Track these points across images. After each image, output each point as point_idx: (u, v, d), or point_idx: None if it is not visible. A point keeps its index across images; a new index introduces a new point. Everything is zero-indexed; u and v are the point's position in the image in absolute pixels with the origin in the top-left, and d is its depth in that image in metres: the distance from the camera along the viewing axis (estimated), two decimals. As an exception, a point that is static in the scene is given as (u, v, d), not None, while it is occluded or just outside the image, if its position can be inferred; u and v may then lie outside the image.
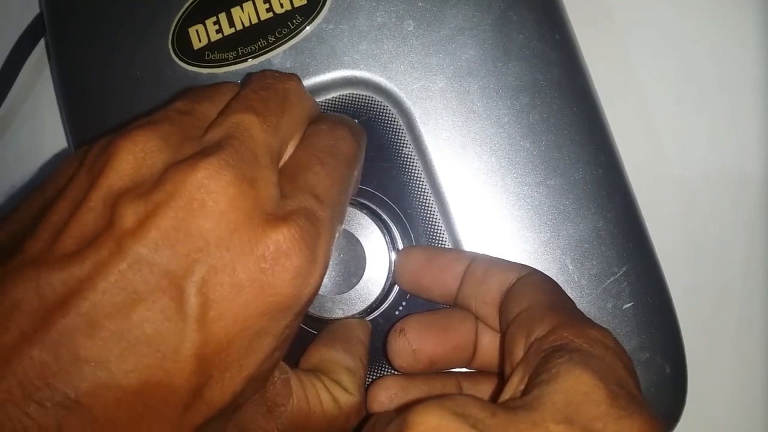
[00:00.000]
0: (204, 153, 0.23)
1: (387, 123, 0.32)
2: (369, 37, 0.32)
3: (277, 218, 0.22)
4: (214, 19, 0.33)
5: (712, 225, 0.37)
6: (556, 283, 0.27)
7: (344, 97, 0.33)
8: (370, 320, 0.31)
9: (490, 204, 0.31)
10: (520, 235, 0.31)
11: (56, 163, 0.41)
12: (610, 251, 0.31)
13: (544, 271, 0.30)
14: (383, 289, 0.30)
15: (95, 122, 0.34)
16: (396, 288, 0.31)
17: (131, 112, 0.33)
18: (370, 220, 0.30)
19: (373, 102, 0.32)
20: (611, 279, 0.31)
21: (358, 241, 0.30)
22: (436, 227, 0.32)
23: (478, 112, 0.31)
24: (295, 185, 0.24)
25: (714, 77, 0.38)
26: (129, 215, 0.21)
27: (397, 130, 0.32)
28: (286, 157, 0.26)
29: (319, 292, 0.30)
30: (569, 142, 0.31)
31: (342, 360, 0.29)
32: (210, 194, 0.22)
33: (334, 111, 0.33)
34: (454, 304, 0.29)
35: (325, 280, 0.30)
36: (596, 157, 0.31)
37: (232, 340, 0.22)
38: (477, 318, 0.28)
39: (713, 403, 0.36)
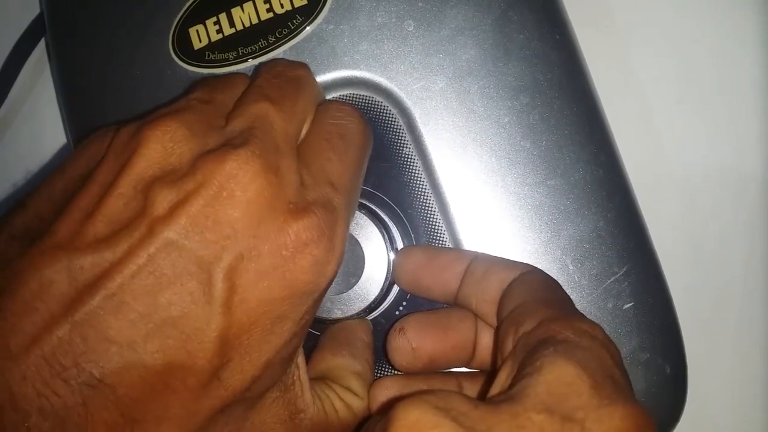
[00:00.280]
0: (231, 144, 0.24)
1: (387, 123, 0.32)
2: (369, 38, 0.32)
3: (298, 208, 0.23)
4: (214, 19, 0.33)
5: (712, 225, 0.37)
6: (555, 280, 0.27)
7: (344, 97, 0.33)
8: (370, 320, 0.31)
9: (490, 204, 0.31)
10: (520, 235, 0.31)
11: (57, 163, 0.41)
12: (610, 251, 0.31)
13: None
14: (382, 289, 0.30)
15: (95, 122, 0.34)
16: (395, 288, 0.31)
17: (131, 112, 0.33)
18: (369, 221, 0.30)
19: (373, 102, 0.32)
20: (611, 279, 0.31)
21: (357, 241, 0.30)
22: (436, 227, 0.32)
23: (478, 112, 0.31)
24: (312, 174, 0.25)
25: (714, 77, 0.38)
26: (161, 202, 0.22)
27: (397, 130, 0.32)
28: (299, 140, 0.27)
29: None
30: (569, 142, 0.31)
31: (349, 365, 0.29)
32: (239, 184, 0.23)
33: (334, 111, 0.33)
34: (455, 304, 0.29)
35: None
36: (596, 157, 0.31)
37: (255, 323, 0.23)
38: (477, 317, 0.28)
39: (713, 403, 0.36)
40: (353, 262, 0.30)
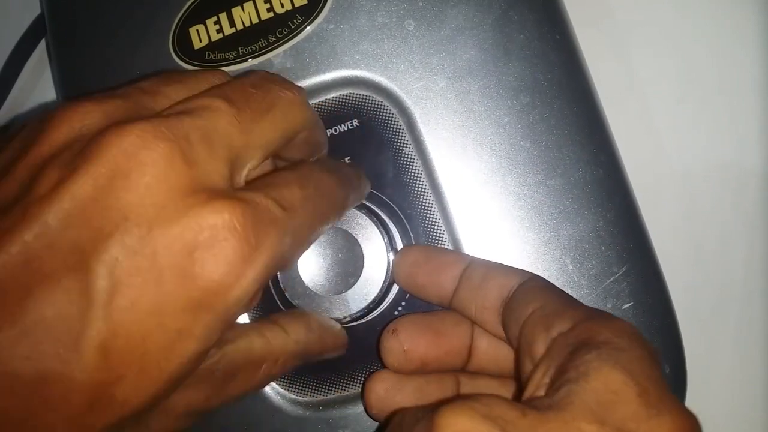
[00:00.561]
0: (142, 118, 0.20)
1: (387, 123, 0.32)
2: (369, 37, 0.32)
3: (213, 196, 0.20)
4: (214, 18, 0.33)
5: (712, 225, 0.37)
6: (559, 288, 0.27)
7: (344, 97, 0.33)
8: (368, 320, 0.31)
9: (490, 204, 0.31)
10: (520, 235, 0.31)
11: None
12: (610, 251, 0.31)
13: (544, 271, 0.30)
14: (381, 289, 0.30)
15: (96, 122, 0.34)
16: (394, 289, 0.31)
17: (132, 112, 0.33)
18: (369, 220, 0.30)
19: (373, 102, 0.32)
20: (611, 279, 0.31)
21: (357, 241, 0.30)
22: (436, 227, 0.32)
23: (478, 112, 0.31)
24: (261, 187, 0.22)
25: (714, 77, 0.38)
26: (44, 182, 0.19)
27: (397, 130, 0.32)
28: (250, 166, 0.23)
29: (317, 292, 0.30)
30: (569, 142, 0.31)
31: (305, 318, 0.28)
32: (139, 165, 0.19)
33: (334, 111, 0.33)
34: (449, 307, 0.29)
35: (323, 280, 0.30)
36: (596, 157, 0.31)
37: (147, 335, 0.19)
38: (475, 323, 0.28)
39: (713, 403, 0.36)
40: (353, 261, 0.30)
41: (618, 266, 0.31)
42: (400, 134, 0.32)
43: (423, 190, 0.32)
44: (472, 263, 0.29)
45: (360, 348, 0.31)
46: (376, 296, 0.30)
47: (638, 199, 0.32)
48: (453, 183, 0.31)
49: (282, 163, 0.27)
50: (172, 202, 0.19)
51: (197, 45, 0.33)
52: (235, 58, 0.33)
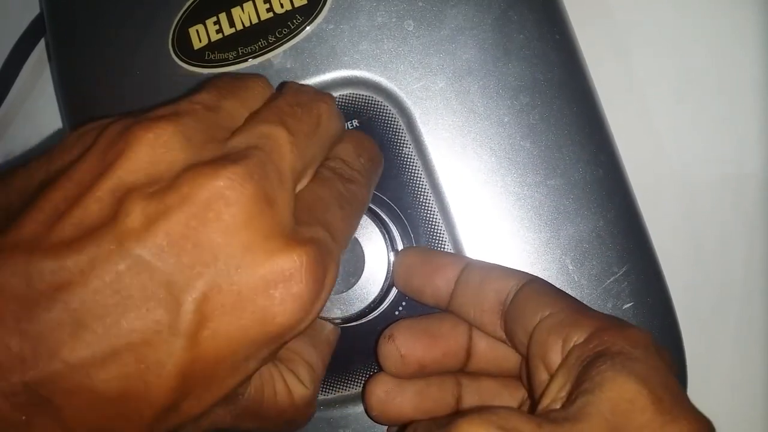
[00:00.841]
0: (228, 159, 0.21)
1: (387, 123, 0.32)
2: (369, 37, 0.32)
3: (292, 242, 0.21)
4: (214, 19, 0.33)
5: (712, 225, 0.37)
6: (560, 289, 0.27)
7: (344, 97, 0.33)
8: (368, 321, 0.31)
9: (490, 204, 0.31)
10: (520, 235, 0.31)
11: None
12: (610, 251, 0.31)
13: (544, 271, 0.30)
14: (381, 289, 0.30)
15: (95, 122, 0.34)
16: (395, 289, 0.31)
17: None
18: (370, 221, 0.30)
19: (373, 102, 0.32)
20: (611, 279, 0.31)
21: (357, 241, 0.30)
22: (436, 227, 0.32)
23: (478, 112, 0.31)
24: (313, 216, 0.23)
25: (714, 77, 0.38)
26: (137, 213, 0.20)
27: (397, 130, 0.32)
28: (301, 186, 0.24)
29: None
30: (569, 142, 0.31)
31: (304, 352, 0.28)
32: (228, 206, 0.20)
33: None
34: (447, 309, 0.29)
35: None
36: (596, 157, 0.31)
37: (221, 361, 0.21)
38: (474, 325, 0.28)
39: (713, 403, 0.36)
40: (353, 262, 0.30)
41: (618, 266, 0.31)
42: (400, 134, 0.32)
43: (423, 190, 0.32)
44: (469, 265, 0.29)
45: (360, 348, 0.31)
46: (377, 296, 0.30)
47: (638, 199, 0.32)
48: (453, 183, 0.31)
49: None
50: (256, 244, 0.21)
51: (197, 45, 0.33)
52: (235, 58, 0.33)
